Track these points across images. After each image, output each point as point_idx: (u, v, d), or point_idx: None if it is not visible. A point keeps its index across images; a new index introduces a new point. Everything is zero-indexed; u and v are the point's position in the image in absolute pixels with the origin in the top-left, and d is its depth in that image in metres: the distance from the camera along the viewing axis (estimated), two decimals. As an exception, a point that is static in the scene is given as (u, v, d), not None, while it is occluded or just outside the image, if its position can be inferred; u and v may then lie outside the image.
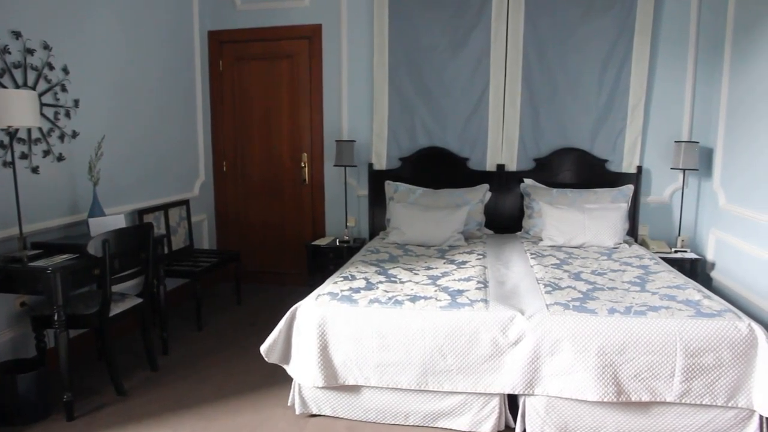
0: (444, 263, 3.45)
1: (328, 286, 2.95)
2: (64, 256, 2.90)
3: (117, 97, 3.81)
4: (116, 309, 3.07)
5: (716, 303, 2.60)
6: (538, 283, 2.97)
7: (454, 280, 3.02)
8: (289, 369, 2.78)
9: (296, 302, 2.80)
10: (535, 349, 2.45)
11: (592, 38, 4.28)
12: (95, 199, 3.35)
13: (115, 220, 3.35)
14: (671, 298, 2.68)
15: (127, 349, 3.64)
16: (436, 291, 2.83)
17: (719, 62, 4.07)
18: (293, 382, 2.78)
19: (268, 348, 2.74)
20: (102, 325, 2.96)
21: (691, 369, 2.35)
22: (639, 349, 2.38)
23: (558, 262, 3.46)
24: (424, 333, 2.55)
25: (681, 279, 3.03)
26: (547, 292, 2.79)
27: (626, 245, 3.90)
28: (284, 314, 2.75)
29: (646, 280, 3.03)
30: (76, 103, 3.42)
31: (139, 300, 3.28)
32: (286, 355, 2.77)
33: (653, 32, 4.20)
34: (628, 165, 4.36)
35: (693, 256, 4.03)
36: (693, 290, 2.80)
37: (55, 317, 2.70)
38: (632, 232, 4.32)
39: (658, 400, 2.39)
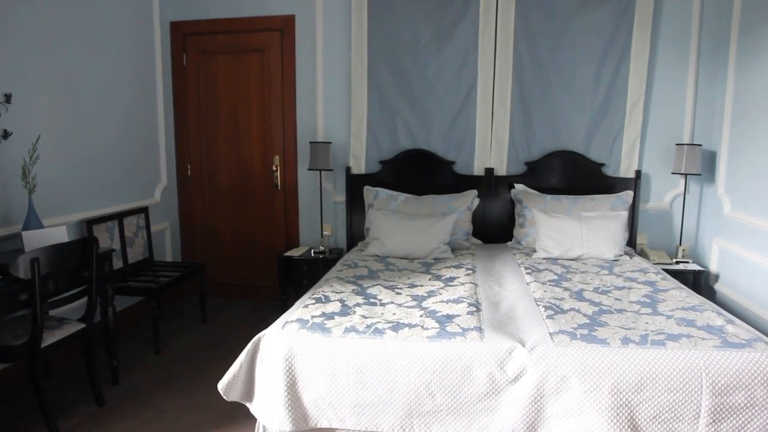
0: (429, 279, 3.10)
1: (297, 310, 2.56)
2: (-14, 277, 2.48)
3: (60, 92, 3.37)
4: (51, 338, 2.65)
5: (743, 330, 2.28)
6: (538, 305, 2.62)
7: (442, 301, 2.66)
8: (253, 408, 2.39)
9: (267, 321, 2.46)
10: (539, 387, 2.10)
11: (588, 32, 3.96)
12: (31, 209, 2.92)
13: (55, 233, 2.93)
14: (690, 324, 2.36)
15: (71, 380, 3.21)
16: (422, 316, 2.47)
17: (723, 59, 3.78)
18: (257, 423, 2.40)
19: (227, 385, 2.35)
20: (32, 357, 2.53)
21: (719, 409, 2.03)
22: (659, 386, 2.04)
23: (556, 277, 3.12)
24: (409, 368, 2.18)
25: (695, 298, 2.71)
26: (548, 317, 2.44)
27: (627, 257, 3.58)
28: (253, 335, 2.36)
29: (656, 299, 2.70)
30: (8, 98, 2.97)
31: (82, 325, 2.86)
32: (249, 392, 2.38)
33: (653, 26, 3.89)
34: (625, 169, 4.06)
35: (696, 267, 3.74)
36: (712, 313, 2.48)
37: (-30, 353, 2.27)
38: (630, 242, 4.01)
39: (680, 445, 2.06)
